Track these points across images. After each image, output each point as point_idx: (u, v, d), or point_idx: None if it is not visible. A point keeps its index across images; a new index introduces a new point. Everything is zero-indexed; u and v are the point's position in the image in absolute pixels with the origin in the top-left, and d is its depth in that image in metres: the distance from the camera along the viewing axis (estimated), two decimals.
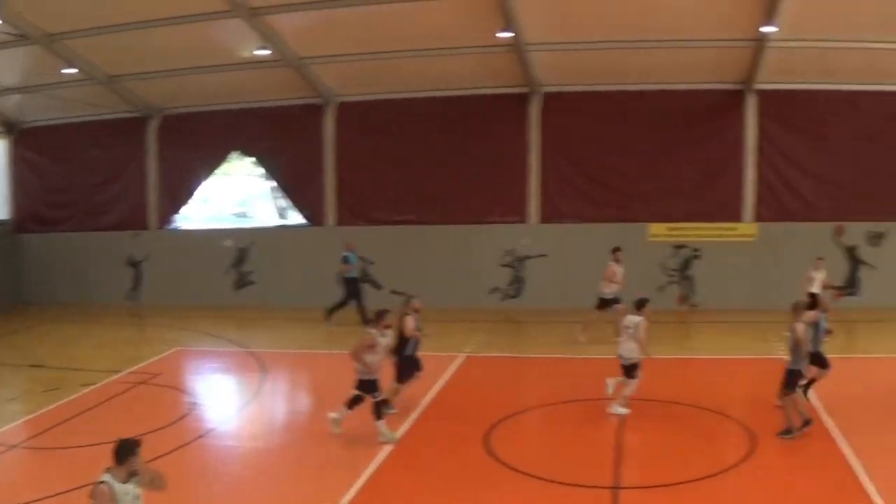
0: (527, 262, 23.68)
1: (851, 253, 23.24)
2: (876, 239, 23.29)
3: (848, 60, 21.92)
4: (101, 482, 6.96)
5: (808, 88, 23.02)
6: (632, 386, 13.99)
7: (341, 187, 24.37)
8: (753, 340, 19.51)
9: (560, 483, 11.01)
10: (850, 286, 23.17)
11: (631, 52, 21.62)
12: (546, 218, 23.72)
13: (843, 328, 20.73)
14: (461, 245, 23.65)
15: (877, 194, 23.24)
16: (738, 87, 23.19)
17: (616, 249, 19.30)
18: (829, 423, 13.04)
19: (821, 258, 20.31)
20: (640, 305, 14.10)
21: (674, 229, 23.22)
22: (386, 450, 12.29)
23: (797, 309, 12.77)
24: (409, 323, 13.98)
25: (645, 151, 23.32)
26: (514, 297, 23.67)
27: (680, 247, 23.24)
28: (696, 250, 23.15)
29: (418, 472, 11.72)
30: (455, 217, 23.69)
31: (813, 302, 15.42)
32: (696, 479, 11.07)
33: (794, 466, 11.72)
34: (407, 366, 14.06)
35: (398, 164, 23.97)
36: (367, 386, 12.60)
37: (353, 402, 12.83)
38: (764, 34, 20.04)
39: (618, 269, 19.09)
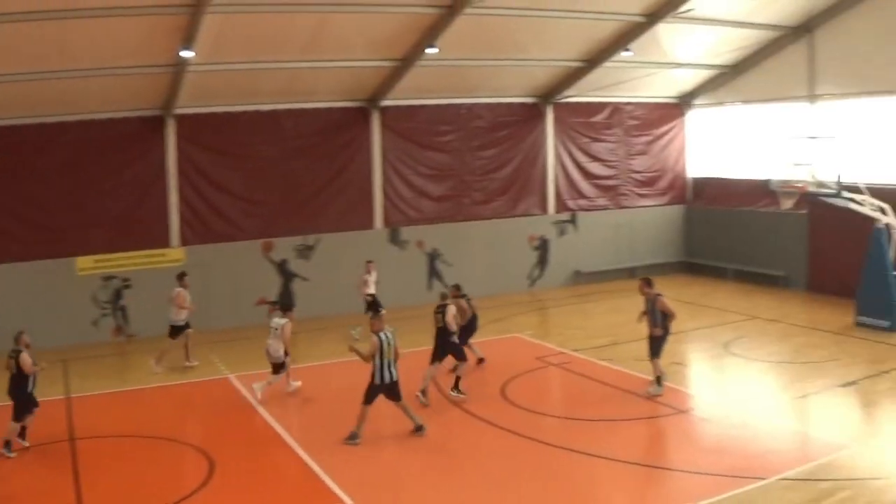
0: None
1: (282, 267, 24.29)
2: (306, 251, 24.46)
3: (269, 81, 22.99)
4: None
5: (229, 110, 23.97)
6: (277, 378, 15.75)
7: None
8: (198, 364, 19.97)
9: None
10: (285, 300, 24.05)
11: (48, 83, 21.33)
12: None
13: None
14: None
15: (303, 208, 24.64)
16: (158, 113, 23.57)
17: (182, 275, 19.84)
18: (283, 432, 14.49)
19: (370, 261, 21.86)
20: (285, 308, 15.22)
21: (101, 261, 23.20)
22: None
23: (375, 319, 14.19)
24: (27, 359, 13.95)
25: (67, 184, 23.04)
26: None
27: (109, 278, 23.26)
28: (125, 280, 23.24)
29: None
30: None
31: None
32: None
33: (257, 482, 12.52)
34: (27, 403, 14.06)
35: None
36: None
37: None
38: (183, 59, 20.36)
39: (186, 295, 19.43)
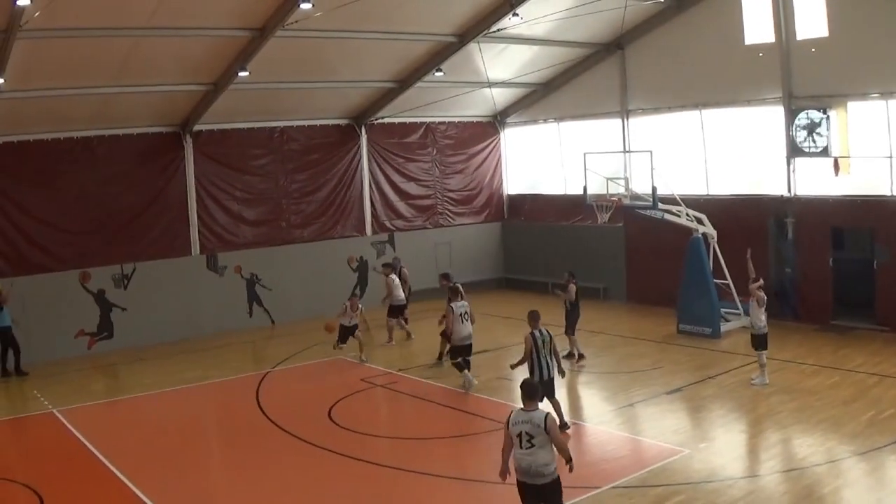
0: None
1: (101, 297, 28.33)
2: (123, 280, 28.91)
3: (82, 107, 26.58)
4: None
5: (40, 138, 27.44)
6: None
7: None
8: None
9: None
10: (104, 331, 28.39)
11: None
12: None
13: (103, 372, 25.39)
14: None
15: (119, 237, 28.61)
16: None
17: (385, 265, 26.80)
18: (111, 465, 16.01)
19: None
20: None
21: None
22: None
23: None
24: None
25: None
26: None
27: None
28: None
29: None
30: None
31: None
32: None
33: None
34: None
35: None
36: None
37: None
38: None
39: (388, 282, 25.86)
